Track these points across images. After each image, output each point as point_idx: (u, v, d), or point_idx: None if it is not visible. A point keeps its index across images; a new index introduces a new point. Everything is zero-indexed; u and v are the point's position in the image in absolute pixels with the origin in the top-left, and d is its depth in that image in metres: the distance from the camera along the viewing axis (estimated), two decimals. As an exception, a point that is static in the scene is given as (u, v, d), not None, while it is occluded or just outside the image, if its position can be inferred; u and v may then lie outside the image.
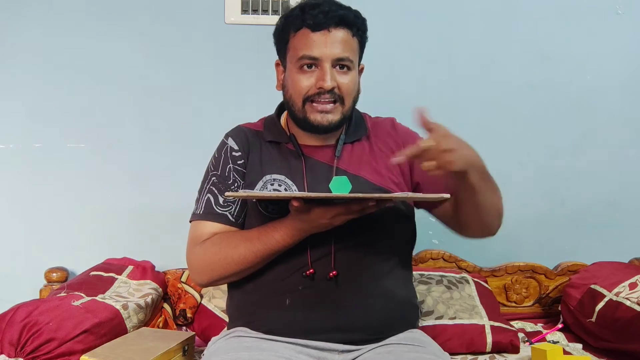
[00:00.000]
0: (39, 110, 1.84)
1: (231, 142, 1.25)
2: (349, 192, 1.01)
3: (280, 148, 1.24)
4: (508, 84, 1.94)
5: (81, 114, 1.85)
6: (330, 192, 1.04)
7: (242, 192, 1.06)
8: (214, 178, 1.23)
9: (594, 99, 1.95)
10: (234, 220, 1.20)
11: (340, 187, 1.01)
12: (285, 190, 1.18)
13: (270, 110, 1.30)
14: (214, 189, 1.22)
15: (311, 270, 1.13)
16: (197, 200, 1.24)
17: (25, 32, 1.82)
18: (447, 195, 1.00)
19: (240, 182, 1.22)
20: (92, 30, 1.84)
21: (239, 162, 1.23)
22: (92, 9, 1.83)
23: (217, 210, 1.20)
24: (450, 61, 1.93)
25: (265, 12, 1.86)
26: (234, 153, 1.24)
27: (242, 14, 1.87)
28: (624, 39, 1.95)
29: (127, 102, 1.86)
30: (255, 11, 1.87)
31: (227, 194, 1.03)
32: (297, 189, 1.18)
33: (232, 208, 1.20)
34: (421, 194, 1.05)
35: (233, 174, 1.22)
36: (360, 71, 1.23)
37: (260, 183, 1.20)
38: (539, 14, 1.93)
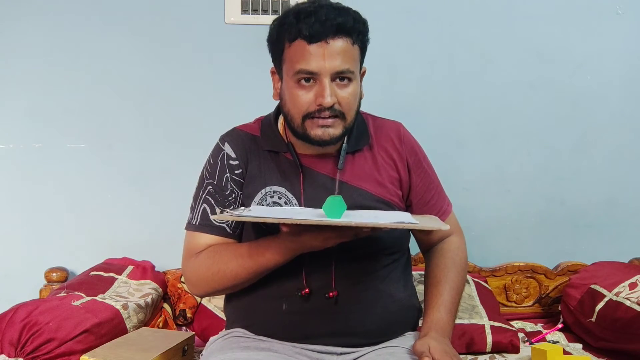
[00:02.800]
0: (39, 110, 1.84)
1: (228, 149, 1.19)
2: (346, 209, 0.95)
3: (278, 157, 1.18)
4: (508, 84, 1.93)
5: (81, 114, 1.85)
6: (319, 207, 0.98)
7: (228, 215, 1.00)
8: (210, 187, 1.18)
9: (594, 99, 1.95)
10: (231, 232, 1.16)
11: (334, 208, 0.93)
12: (286, 203, 1.14)
13: (270, 111, 1.27)
14: (210, 199, 1.17)
15: (306, 290, 1.11)
16: (192, 209, 1.19)
17: (25, 32, 1.82)
18: (447, 227, 0.98)
19: (238, 193, 1.17)
20: (92, 30, 1.83)
21: (236, 171, 1.18)
22: (92, 9, 1.83)
23: (215, 222, 1.16)
24: (450, 61, 1.92)
25: (265, 12, 1.86)
26: (231, 162, 1.18)
27: (242, 14, 1.86)
28: (624, 39, 1.95)
29: (127, 102, 1.86)
30: (255, 11, 1.86)
31: (213, 217, 1.01)
32: (297, 203, 1.14)
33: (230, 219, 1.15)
34: (418, 223, 1.00)
35: (230, 184, 1.17)
36: (362, 75, 1.17)
37: (260, 195, 1.15)
38: (538, 14, 1.92)
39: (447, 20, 1.92)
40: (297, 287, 1.11)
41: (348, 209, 0.98)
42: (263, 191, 1.15)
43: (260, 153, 1.19)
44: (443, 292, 1.17)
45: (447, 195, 1.31)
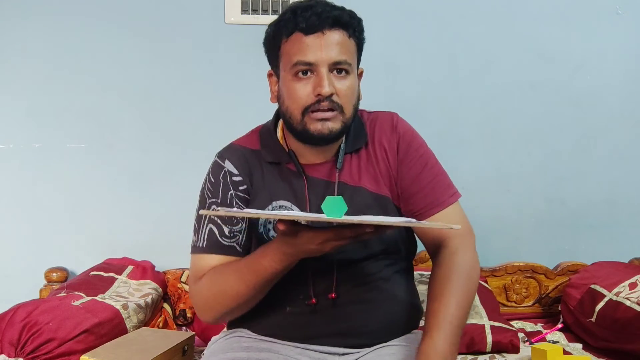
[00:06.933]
0: (39, 110, 1.84)
1: (229, 166, 1.15)
2: (345, 213, 0.86)
3: (281, 169, 1.15)
4: (508, 84, 1.93)
5: (81, 114, 1.85)
6: (322, 213, 0.89)
7: (222, 211, 0.92)
8: (215, 206, 1.12)
9: (594, 99, 1.95)
10: (241, 250, 1.11)
11: (334, 208, 0.85)
12: None
13: (270, 112, 1.24)
14: (216, 218, 1.11)
15: (313, 301, 1.09)
16: (196, 231, 1.13)
17: (25, 32, 1.82)
18: (458, 226, 0.87)
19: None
20: (93, 30, 1.84)
21: (240, 187, 1.14)
22: (92, 9, 1.83)
23: (224, 242, 1.10)
24: (450, 61, 1.92)
25: (265, 12, 1.86)
26: (234, 178, 1.14)
27: (242, 14, 1.87)
28: (624, 39, 1.95)
29: (127, 102, 1.86)
30: (255, 11, 1.87)
31: (201, 211, 0.93)
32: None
33: (239, 237, 1.11)
34: (427, 222, 0.92)
35: (236, 201, 1.13)
36: (360, 75, 1.15)
37: (267, 210, 1.12)
38: (539, 14, 1.93)
39: (447, 20, 1.92)
40: (302, 293, 1.11)
41: (347, 208, 0.92)
42: (270, 207, 1.12)
43: (263, 166, 1.15)
44: (440, 309, 1.02)
45: (452, 187, 1.19)
